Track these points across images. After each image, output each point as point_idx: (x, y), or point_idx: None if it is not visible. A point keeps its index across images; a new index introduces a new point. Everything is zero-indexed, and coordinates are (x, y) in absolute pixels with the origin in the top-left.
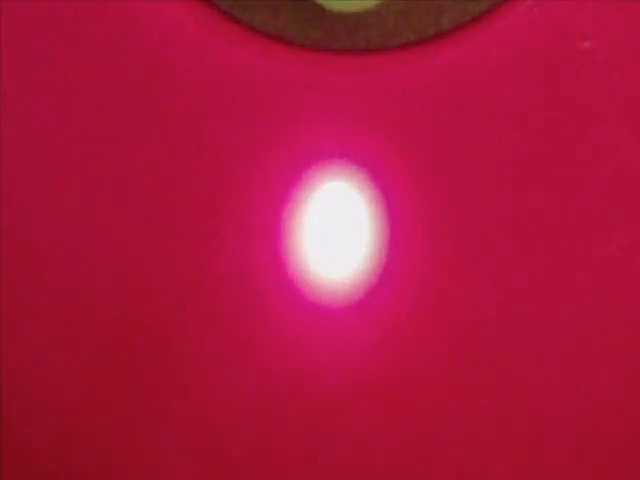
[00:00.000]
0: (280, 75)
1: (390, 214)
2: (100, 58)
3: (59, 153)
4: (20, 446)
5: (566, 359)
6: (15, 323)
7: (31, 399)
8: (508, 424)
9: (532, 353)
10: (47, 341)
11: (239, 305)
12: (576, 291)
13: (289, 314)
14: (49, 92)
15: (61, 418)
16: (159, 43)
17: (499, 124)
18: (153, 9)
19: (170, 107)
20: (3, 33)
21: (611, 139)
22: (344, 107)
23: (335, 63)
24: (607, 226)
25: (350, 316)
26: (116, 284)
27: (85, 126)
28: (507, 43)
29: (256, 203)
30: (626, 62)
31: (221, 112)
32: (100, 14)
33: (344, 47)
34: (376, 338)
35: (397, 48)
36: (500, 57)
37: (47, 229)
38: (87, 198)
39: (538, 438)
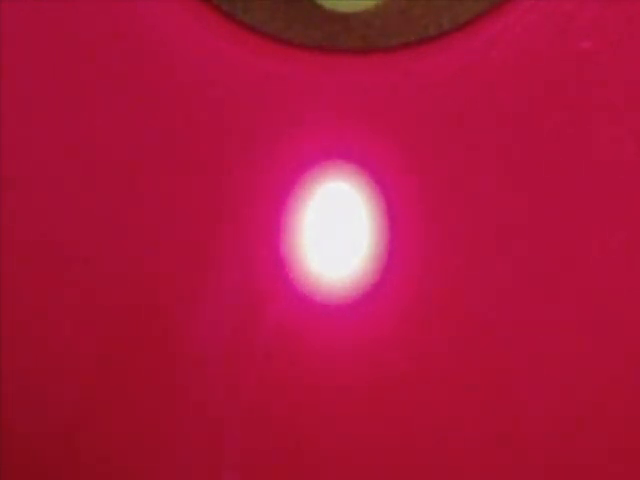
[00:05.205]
0: (280, 75)
1: (390, 213)
2: (100, 58)
3: (57, 152)
4: (20, 446)
5: (566, 360)
6: (15, 322)
7: (31, 398)
8: (509, 426)
9: (532, 352)
10: (47, 341)
11: (239, 304)
12: (576, 292)
13: (289, 314)
14: (48, 92)
15: (60, 417)
16: (159, 43)
17: (499, 124)
18: (153, 9)
19: (170, 107)
20: (3, 32)
21: (611, 139)
22: (344, 107)
23: (335, 63)
24: (607, 225)
25: (351, 316)
26: (116, 283)
27: (84, 126)
28: (507, 43)
29: (256, 203)
30: (626, 62)
31: (221, 112)
32: (100, 14)
33: (344, 47)
34: (376, 338)
35: (397, 48)
36: (500, 57)
37: (46, 229)
38: (87, 197)
39: (538, 439)
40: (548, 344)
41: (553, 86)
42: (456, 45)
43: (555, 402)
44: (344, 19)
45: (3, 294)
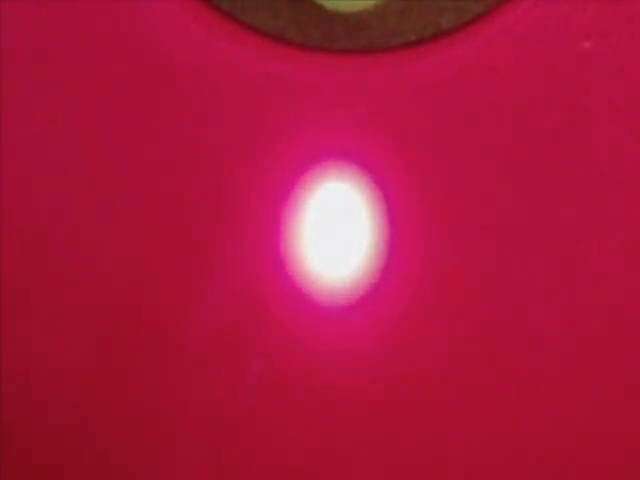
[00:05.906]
0: (280, 75)
1: (390, 214)
2: (99, 58)
3: (56, 152)
4: (20, 446)
5: (568, 361)
6: (15, 322)
7: (31, 398)
8: (510, 426)
9: (533, 352)
10: (47, 341)
11: (239, 304)
12: (577, 292)
13: (289, 314)
14: (47, 92)
15: (60, 417)
16: (158, 43)
17: (499, 124)
18: (153, 9)
19: (169, 107)
20: (3, 32)
21: (611, 139)
22: (344, 107)
23: (335, 63)
24: (607, 225)
25: (351, 316)
26: (115, 282)
27: (82, 126)
28: (507, 43)
29: (256, 204)
30: (626, 62)
31: (221, 112)
32: (100, 14)
33: (344, 47)
34: (376, 338)
35: (397, 48)
36: (500, 57)
37: (46, 228)
38: (86, 196)
39: (540, 440)
40: (549, 345)
41: (553, 86)
42: (456, 45)
43: (556, 403)
44: (344, 19)
45: (3, 294)
